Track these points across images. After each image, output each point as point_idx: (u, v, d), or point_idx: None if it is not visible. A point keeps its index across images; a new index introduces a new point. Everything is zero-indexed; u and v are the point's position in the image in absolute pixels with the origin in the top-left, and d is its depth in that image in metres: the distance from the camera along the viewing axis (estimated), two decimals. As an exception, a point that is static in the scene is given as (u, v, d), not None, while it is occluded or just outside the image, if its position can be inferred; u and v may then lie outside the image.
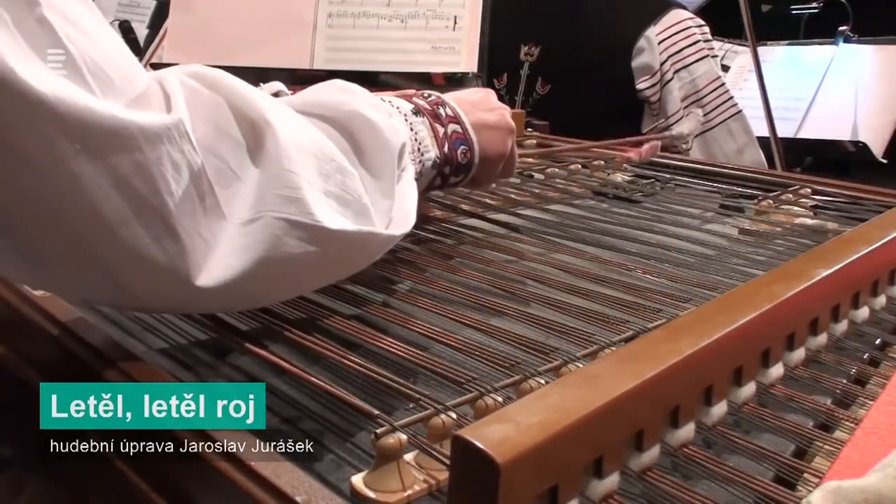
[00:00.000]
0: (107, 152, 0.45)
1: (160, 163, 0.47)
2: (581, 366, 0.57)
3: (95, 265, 0.49)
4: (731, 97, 1.74)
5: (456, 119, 0.76)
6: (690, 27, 1.71)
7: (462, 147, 0.76)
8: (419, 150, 0.72)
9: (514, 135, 0.84)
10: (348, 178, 0.57)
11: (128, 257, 0.48)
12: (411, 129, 0.72)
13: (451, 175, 0.77)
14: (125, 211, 0.47)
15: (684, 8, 1.76)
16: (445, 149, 0.74)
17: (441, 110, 0.76)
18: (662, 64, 1.68)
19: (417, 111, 0.74)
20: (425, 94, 0.77)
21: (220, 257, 0.51)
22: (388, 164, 0.61)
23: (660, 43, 1.67)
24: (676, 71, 1.68)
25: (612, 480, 0.42)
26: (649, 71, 1.67)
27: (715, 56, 1.76)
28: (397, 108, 0.73)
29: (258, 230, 0.51)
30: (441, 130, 0.74)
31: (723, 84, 1.73)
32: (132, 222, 0.47)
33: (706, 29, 1.75)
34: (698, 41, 1.71)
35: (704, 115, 1.70)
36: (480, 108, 0.80)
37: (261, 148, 0.52)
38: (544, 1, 1.78)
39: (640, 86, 1.68)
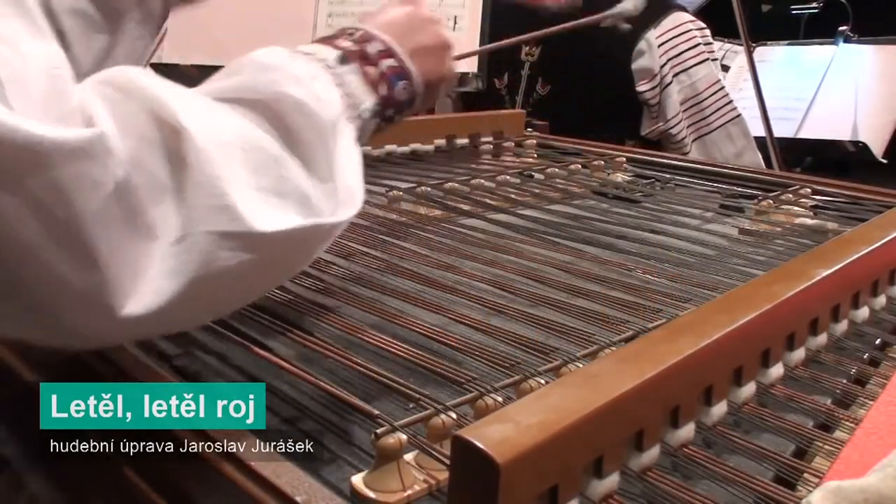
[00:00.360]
0: (19, 170, 0.41)
1: (79, 181, 0.42)
2: (581, 366, 0.57)
3: (14, 296, 0.44)
4: (731, 101, 1.74)
5: (389, 52, 0.69)
6: (691, 30, 1.71)
7: (401, 83, 0.69)
8: (353, 104, 0.65)
9: (453, 50, 0.77)
10: (282, 166, 0.52)
11: (48, 287, 0.44)
12: (340, 84, 0.65)
13: (395, 115, 0.71)
14: (41, 235, 0.42)
15: (685, 10, 1.76)
16: (383, 90, 0.68)
17: (370, 47, 0.68)
18: (662, 67, 1.68)
19: (344, 57, 0.66)
20: (349, 32, 0.70)
21: (149, 281, 0.46)
22: (323, 143, 0.56)
23: (660, 46, 1.68)
24: (676, 74, 1.68)
25: (612, 480, 0.42)
26: (649, 74, 1.67)
27: (715, 59, 1.76)
28: (322, 60, 0.65)
29: (188, 248, 0.47)
30: (374, 72, 0.67)
31: (722, 88, 1.73)
32: (50, 248, 0.42)
33: (707, 32, 1.75)
34: (698, 44, 1.71)
35: (703, 118, 1.70)
36: (414, 30, 0.73)
37: (181, 155, 0.47)
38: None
39: (639, 88, 1.68)
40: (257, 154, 0.51)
